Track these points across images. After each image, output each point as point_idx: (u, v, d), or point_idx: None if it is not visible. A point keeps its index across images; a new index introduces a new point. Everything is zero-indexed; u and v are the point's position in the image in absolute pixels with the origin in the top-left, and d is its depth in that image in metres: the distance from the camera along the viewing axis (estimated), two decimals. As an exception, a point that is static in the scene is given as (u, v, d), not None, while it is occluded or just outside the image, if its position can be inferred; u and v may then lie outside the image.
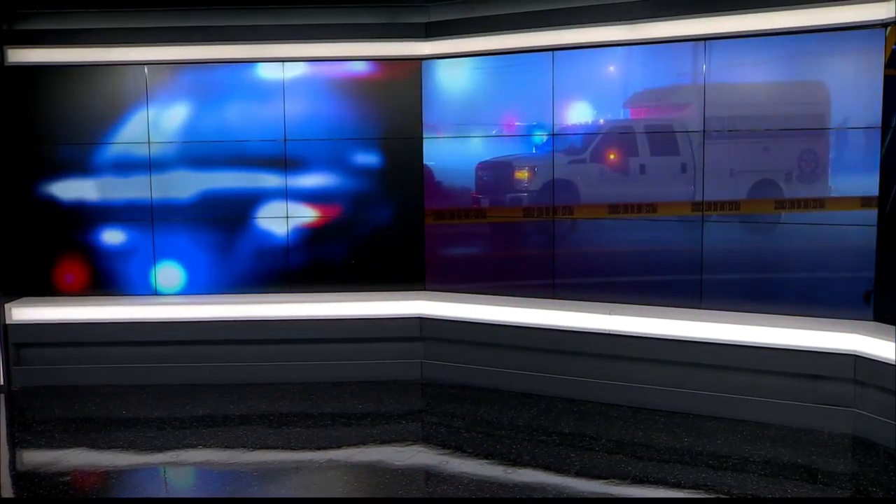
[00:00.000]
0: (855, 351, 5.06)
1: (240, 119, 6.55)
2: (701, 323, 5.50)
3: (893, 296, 5.16)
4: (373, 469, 4.70)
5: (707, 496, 4.20)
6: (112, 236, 6.63)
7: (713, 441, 4.96)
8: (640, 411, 5.53)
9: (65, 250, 6.64)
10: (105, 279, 6.67)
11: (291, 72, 6.52)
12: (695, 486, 4.29)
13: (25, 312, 6.41)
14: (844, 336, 5.11)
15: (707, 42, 5.61)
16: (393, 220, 6.64)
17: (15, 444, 5.27)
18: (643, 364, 5.64)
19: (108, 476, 4.74)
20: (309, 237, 6.66)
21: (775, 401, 5.27)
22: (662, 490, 4.28)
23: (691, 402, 5.47)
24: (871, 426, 4.96)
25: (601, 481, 4.42)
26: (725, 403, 5.38)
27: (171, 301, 6.54)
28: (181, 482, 4.79)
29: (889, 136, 5.15)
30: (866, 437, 4.96)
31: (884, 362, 4.87)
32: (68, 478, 4.69)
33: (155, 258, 6.64)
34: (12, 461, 5.06)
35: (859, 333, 5.07)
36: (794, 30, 5.37)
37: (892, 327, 5.06)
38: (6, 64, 6.41)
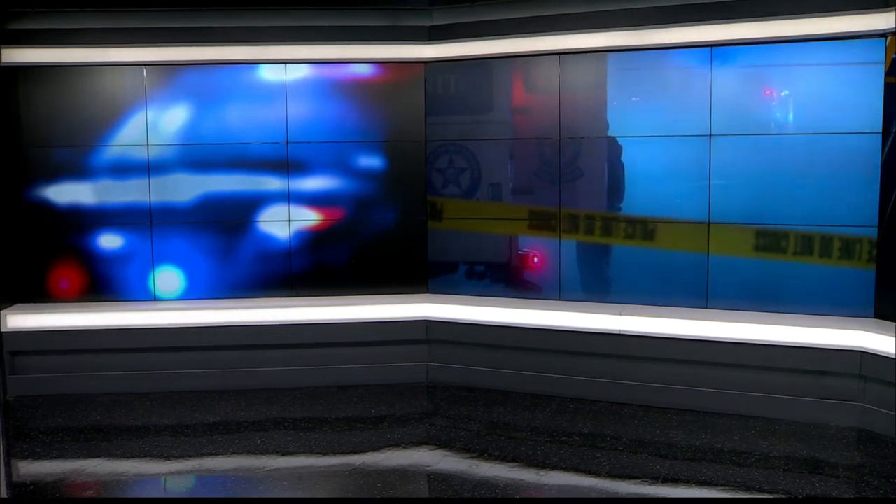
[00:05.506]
0: (861, 347, 5.26)
1: (241, 121, 6.46)
2: (709, 322, 5.65)
3: (893, 295, 5.38)
4: (404, 474, 4.72)
5: (756, 496, 4.32)
6: (109, 241, 6.48)
7: (730, 438, 5.10)
8: (650, 410, 5.66)
9: (60, 255, 6.47)
10: (102, 285, 6.51)
11: (293, 74, 6.46)
12: (726, 484, 4.41)
13: (20, 320, 6.23)
14: (850, 333, 5.31)
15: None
16: (396, 223, 6.64)
17: (25, 456, 5.10)
18: (652, 363, 5.77)
19: (135, 487, 4.65)
20: (311, 240, 6.61)
21: (784, 397, 5.45)
22: (696, 489, 4.39)
23: (701, 400, 5.62)
24: (878, 420, 5.17)
25: (634, 481, 4.51)
26: (735, 400, 5.54)
27: (170, 306, 6.42)
28: (214, 492, 4.71)
29: (890, 141, 5.37)
30: (872, 430, 5.17)
31: (890, 358, 5.08)
32: (91, 491, 4.60)
33: (153, 263, 6.51)
34: (26, 473, 4.90)
35: (863, 330, 5.27)
36: (798, 38, 5.55)
37: (893, 324, 5.28)
38: (0, 64, 6.21)
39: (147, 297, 6.54)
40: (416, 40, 6.44)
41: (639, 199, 6.09)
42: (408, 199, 6.63)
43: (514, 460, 4.84)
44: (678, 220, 5.95)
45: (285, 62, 6.43)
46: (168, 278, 6.55)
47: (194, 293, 6.57)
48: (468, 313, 6.33)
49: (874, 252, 5.47)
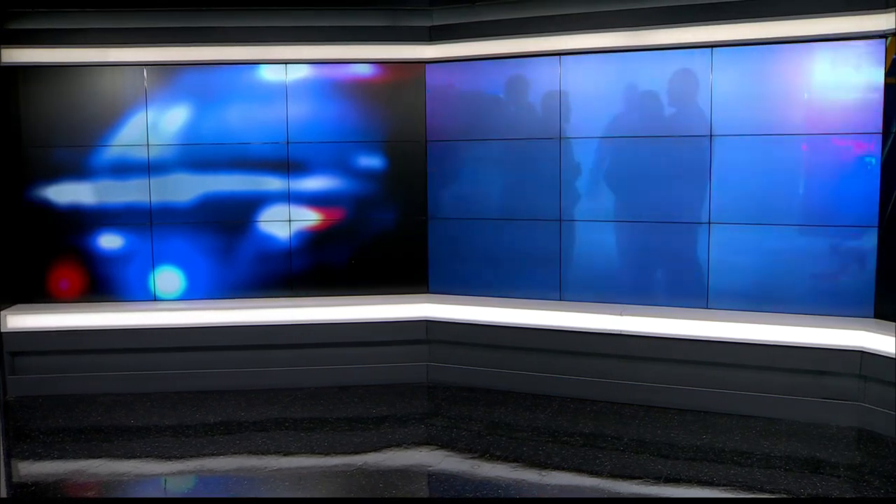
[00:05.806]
0: (861, 347, 5.27)
1: (241, 121, 6.45)
2: (709, 322, 5.66)
3: (893, 295, 5.39)
4: (406, 474, 4.72)
5: (758, 496, 4.33)
6: (109, 241, 6.47)
7: (731, 438, 5.11)
8: (651, 410, 5.66)
9: (60, 255, 6.46)
10: (102, 285, 6.51)
11: (294, 74, 6.46)
12: (728, 484, 4.42)
13: (20, 320, 6.22)
14: (850, 333, 5.32)
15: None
16: (396, 223, 6.64)
17: (26, 456, 5.09)
18: (653, 363, 5.78)
19: (136, 487, 4.65)
20: (312, 240, 6.61)
21: (784, 397, 5.45)
22: (697, 489, 4.39)
23: (702, 400, 5.62)
24: (878, 420, 5.18)
25: (635, 481, 4.52)
26: (735, 400, 5.55)
27: (170, 307, 6.41)
28: (215, 493, 4.71)
29: (890, 141, 5.38)
30: (872, 430, 5.18)
31: (890, 358, 5.09)
32: (93, 492, 4.60)
33: (154, 263, 6.51)
34: (27, 474, 4.90)
35: (864, 330, 5.28)
36: (798, 38, 5.56)
37: (893, 324, 5.29)
38: (0, 64, 6.20)
39: (147, 297, 6.54)
40: (416, 40, 6.44)
41: (639, 198, 6.09)
42: (408, 199, 6.63)
43: (515, 460, 4.84)
44: (678, 220, 5.96)
45: (286, 62, 6.43)
46: (168, 278, 6.55)
47: (194, 293, 6.56)
48: (468, 313, 6.33)
49: (874, 252, 5.48)
